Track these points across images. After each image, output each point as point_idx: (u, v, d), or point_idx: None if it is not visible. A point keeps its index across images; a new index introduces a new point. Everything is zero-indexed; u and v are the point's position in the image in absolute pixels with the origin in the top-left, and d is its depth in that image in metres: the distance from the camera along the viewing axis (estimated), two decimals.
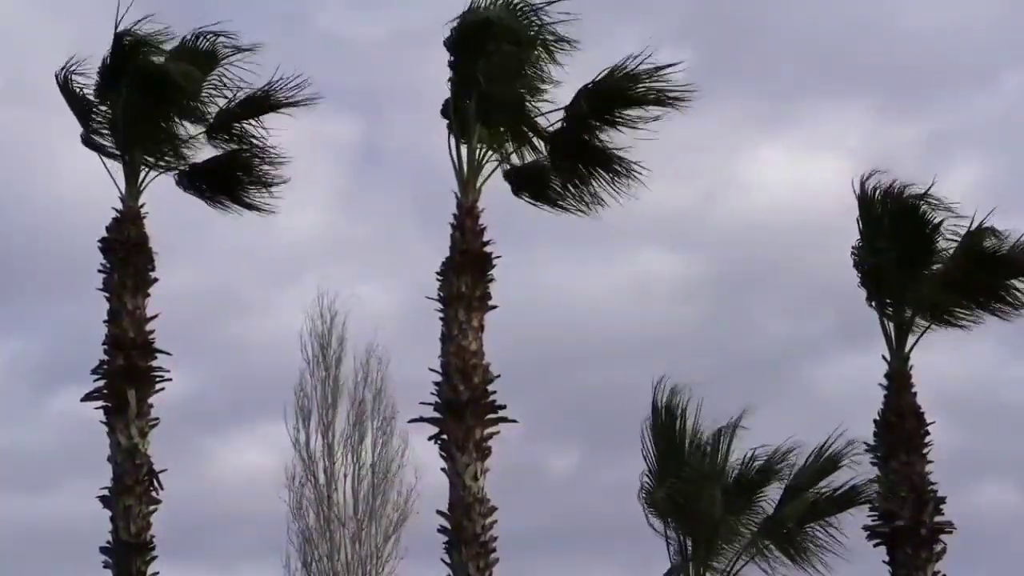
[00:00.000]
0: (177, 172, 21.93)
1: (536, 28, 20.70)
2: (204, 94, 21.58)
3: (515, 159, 21.47)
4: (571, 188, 21.55)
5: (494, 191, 21.13)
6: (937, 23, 47.69)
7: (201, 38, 21.31)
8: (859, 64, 46.75)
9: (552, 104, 21.03)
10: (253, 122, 21.76)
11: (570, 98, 20.96)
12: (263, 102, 21.58)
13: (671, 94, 20.65)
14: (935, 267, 21.91)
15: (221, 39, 21.30)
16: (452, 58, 20.72)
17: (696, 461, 19.66)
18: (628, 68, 20.60)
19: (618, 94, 20.74)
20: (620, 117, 20.96)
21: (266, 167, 21.99)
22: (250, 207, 22.27)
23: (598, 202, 21.54)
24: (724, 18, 46.01)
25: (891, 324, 21.80)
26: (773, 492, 19.98)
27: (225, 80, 21.55)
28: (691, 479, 19.31)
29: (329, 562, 34.93)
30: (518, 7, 20.63)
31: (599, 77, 20.72)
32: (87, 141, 21.60)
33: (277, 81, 21.32)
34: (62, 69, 21.29)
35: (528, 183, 21.67)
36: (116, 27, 20.81)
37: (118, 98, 21.11)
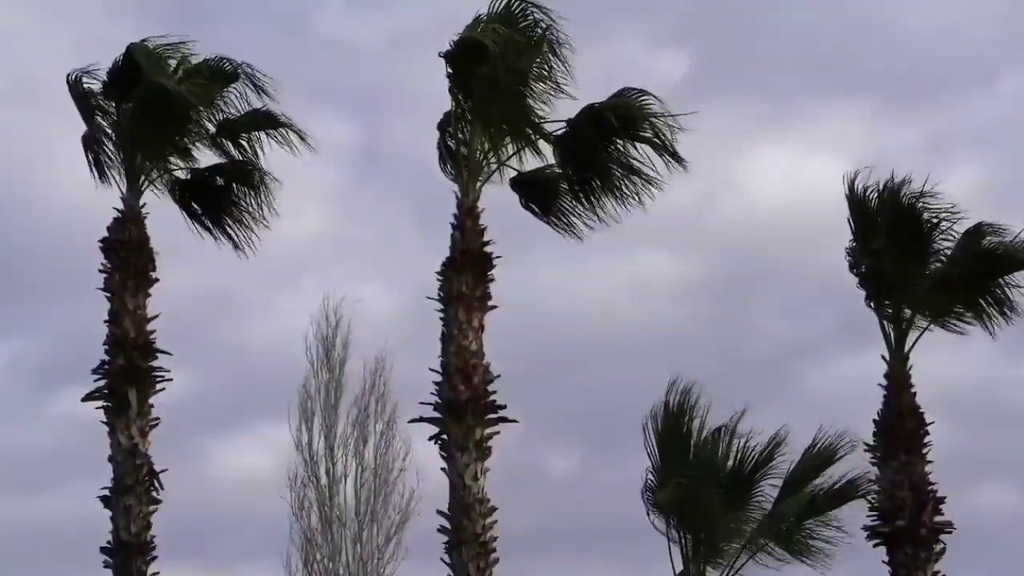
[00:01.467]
0: (171, 181, 21.96)
1: (540, 31, 20.67)
2: (212, 110, 21.64)
3: (518, 162, 21.41)
4: (582, 198, 21.41)
5: (495, 191, 21.19)
6: (937, 23, 47.74)
7: (224, 61, 21.37)
8: (859, 64, 46.80)
9: (556, 109, 21.04)
10: (256, 135, 21.83)
11: (572, 99, 20.97)
12: (267, 119, 21.65)
13: (669, 148, 20.59)
14: (933, 266, 21.94)
15: (242, 67, 21.33)
16: (450, 70, 20.63)
17: (698, 460, 19.69)
18: (631, 103, 20.55)
19: (620, 128, 20.66)
20: (620, 143, 20.92)
21: (258, 196, 22.02)
22: (230, 237, 22.28)
23: (608, 213, 21.39)
24: (724, 18, 46.07)
25: (890, 324, 21.82)
26: (771, 489, 20.02)
27: (234, 100, 21.65)
28: (692, 477, 19.34)
29: (330, 562, 34.95)
30: (517, 13, 20.58)
31: (604, 103, 20.60)
32: (89, 142, 21.61)
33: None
34: (75, 71, 21.36)
35: (536, 194, 21.59)
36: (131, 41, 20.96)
37: (124, 102, 21.15)
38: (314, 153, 21.73)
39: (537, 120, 20.99)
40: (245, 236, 22.22)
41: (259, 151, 21.92)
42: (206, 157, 22.10)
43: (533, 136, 21.06)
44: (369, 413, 35.82)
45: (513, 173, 21.46)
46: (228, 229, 22.23)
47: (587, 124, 20.78)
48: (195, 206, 22.21)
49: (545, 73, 20.80)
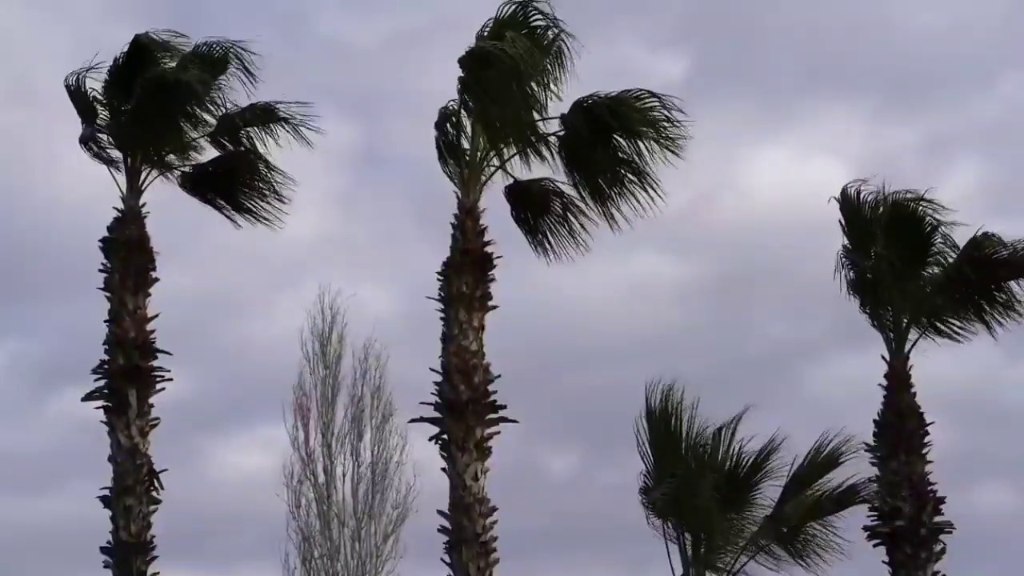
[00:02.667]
0: (180, 175, 21.94)
1: (550, 37, 20.61)
2: (210, 99, 21.58)
3: (519, 166, 21.31)
4: (587, 201, 21.19)
5: (496, 191, 21.17)
6: (937, 23, 47.74)
7: (215, 46, 21.31)
8: (858, 65, 46.79)
9: (556, 113, 20.94)
10: (256, 129, 21.78)
11: (570, 102, 20.87)
12: (265, 112, 21.60)
13: (665, 135, 20.44)
14: (931, 271, 21.94)
15: (232, 50, 21.30)
16: (461, 73, 20.57)
17: (693, 459, 19.67)
18: (625, 97, 20.38)
19: (613, 121, 20.47)
20: (616, 140, 20.84)
21: (268, 180, 21.96)
22: (251, 214, 22.23)
23: (616, 214, 21.18)
24: (723, 18, 46.06)
25: (887, 329, 21.81)
26: (772, 491, 20.01)
27: (230, 87, 21.60)
28: (687, 477, 19.32)
29: (329, 561, 34.93)
30: (521, 19, 20.50)
31: (596, 98, 20.43)
32: (86, 141, 21.56)
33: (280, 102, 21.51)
34: (75, 72, 21.31)
35: (528, 210, 21.47)
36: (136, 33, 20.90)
37: (126, 99, 21.12)
38: (310, 149, 21.71)
39: (537, 122, 20.91)
40: (267, 211, 22.12)
41: (259, 145, 21.91)
42: (207, 153, 22.13)
43: (533, 139, 20.94)
44: (364, 406, 35.76)
45: (511, 180, 21.40)
46: (250, 205, 22.07)
47: (581, 119, 20.63)
48: (210, 194, 22.12)
49: (549, 79, 20.72)
